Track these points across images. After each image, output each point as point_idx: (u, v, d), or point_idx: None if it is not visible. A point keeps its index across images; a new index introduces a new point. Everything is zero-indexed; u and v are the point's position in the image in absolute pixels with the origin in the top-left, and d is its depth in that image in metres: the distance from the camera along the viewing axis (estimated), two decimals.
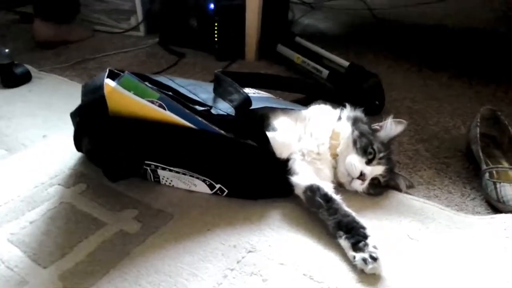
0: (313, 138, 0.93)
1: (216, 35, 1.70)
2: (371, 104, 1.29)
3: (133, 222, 0.83)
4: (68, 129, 0.99)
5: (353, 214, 0.80)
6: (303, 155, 0.91)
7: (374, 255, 0.72)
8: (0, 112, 1.26)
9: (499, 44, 2.01)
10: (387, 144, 0.95)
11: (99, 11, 2.06)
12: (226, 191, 0.89)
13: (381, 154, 0.91)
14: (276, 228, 0.82)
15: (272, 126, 0.91)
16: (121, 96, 0.72)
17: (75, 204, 0.87)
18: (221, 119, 0.83)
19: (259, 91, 1.06)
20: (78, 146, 0.97)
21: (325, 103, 1.02)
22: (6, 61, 1.41)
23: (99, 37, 2.01)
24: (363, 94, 1.29)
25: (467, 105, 1.39)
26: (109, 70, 0.77)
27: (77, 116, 0.90)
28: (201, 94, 0.95)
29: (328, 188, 0.85)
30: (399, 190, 0.96)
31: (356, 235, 0.75)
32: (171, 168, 0.86)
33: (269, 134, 0.87)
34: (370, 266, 0.71)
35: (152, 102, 0.74)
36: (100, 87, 0.73)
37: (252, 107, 0.89)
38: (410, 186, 0.96)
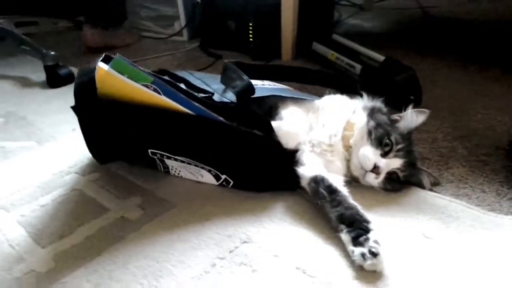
0: (325, 129, 0.87)
1: (250, 35, 1.69)
2: (406, 98, 1.20)
3: (136, 209, 0.83)
4: None
5: (358, 207, 0.73)
6: (313, 146, 0.86)
7: (374, 250, 0.65)
8: (40, 109, 1.34)
9: None
10: (407, 136, 0.87)
11: (146, 18, 2.15)
12: (232, 182, 0.87)
13: (399, 146, 0.84)
14: (277, 220, 0.78)
15: (279, 115, 0.87)
16: (115, 80, 0.72)
17: (85, 191, 0.89)
18: (223, 107, 0.81)
19: (275, 84, 1.03)
20: None
21: (341, 93, 0.96)
22: (51, 63, 1.51)
23: (145, 42, 2.09)
24: (396, 87, 1.21)
25: None
26: (105, 55, 0.78)
27: None
28: (214, 85, 0.93)
29: (336, 180, 0.80)
30: (422, 187, 0.87)
31: (358, 229, 0.69)
32: (176, 157, 0.85)
33: (274, 123, 0.83)
34: (368, 262, 0.64)
35: (146, 86, 0.74)
36: (93, 70, 0.74)
37: (258, 95, 0.86)
38: (435, 183, 0.87)
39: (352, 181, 0.86)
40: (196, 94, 0.80)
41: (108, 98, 0.74)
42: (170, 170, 0.92)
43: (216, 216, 0.80)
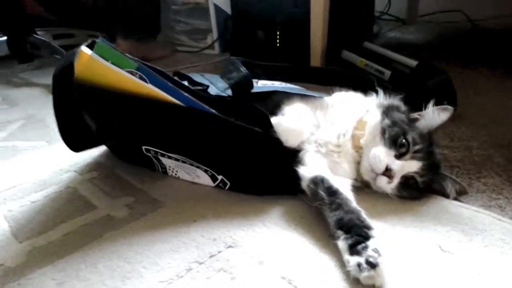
0: (333, 127, 0.78)
1: (278, 44, 1.64)
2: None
3: (124, 208, 0.77)
4: None
5: (361, 212, 0.63)
6: (318, 146, 0.77)
7: (372, 260, 0.54)
8: None
9: None
10: (427, 136, 0.76)
11: (180, 32, 2.16)
12: (229, 184, 0.79)
13: (417, 147, 0.73)
14: (270, 225, 0.69)
15: (282, 111, 0.79)
16: (98, 66, 0.68)
17: (78, 189, 0.85)
18: (217, 99, 0.75)
19: (287, 84, 0.95)
20: None
21: (355, 91, 0.87)
22: None
23: (178, 55, 2.10)
24: (428, 92, 1.09)
25: None
26: (92, 40, 0.74)
27: None
28: (219, 83, 0.88)
29: (341, 183, 0.70)
30: (446, 195, 0.75)
31: (356, 236, 0.59)
32: (170, 155, 0.79)
33: (274, 118, 0.76)
34: (365, 274, 0.54)
35: (131, 73, 0.69)
36: (74, 53, 0.70)
37: (260, 91, 0.79)
38: (462, 192, 0.75)
39: (365, 187, 0.76)
40: (189, 86, 0.74)
41: (88, 84, 0.70)
42: (168, 170, 0.86)
43: (204, 218, 0.72)
